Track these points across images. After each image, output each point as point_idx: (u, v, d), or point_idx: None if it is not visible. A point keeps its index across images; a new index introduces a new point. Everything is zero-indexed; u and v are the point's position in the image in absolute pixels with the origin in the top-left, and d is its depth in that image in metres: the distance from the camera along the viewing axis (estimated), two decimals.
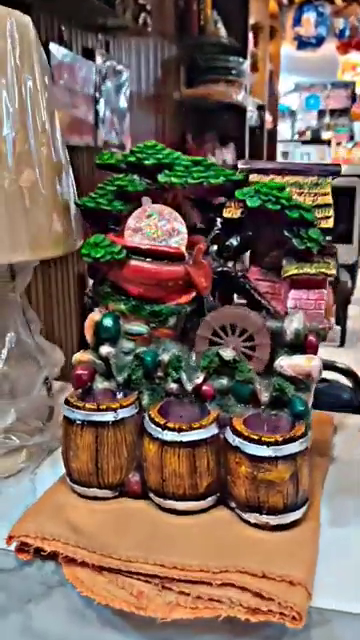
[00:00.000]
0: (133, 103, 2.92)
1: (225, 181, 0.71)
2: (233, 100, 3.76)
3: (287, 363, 0.66)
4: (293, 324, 0.67)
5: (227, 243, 0.73)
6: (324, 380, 1.74)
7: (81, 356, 0.72)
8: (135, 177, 0.74)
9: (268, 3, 4.87)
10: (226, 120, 4.08)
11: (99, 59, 2.52)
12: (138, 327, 0.72)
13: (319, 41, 6.40)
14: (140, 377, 0.70)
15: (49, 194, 0.69)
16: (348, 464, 0.79)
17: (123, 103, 2.81)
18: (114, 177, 0.74)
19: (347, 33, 6.40)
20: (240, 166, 0.75)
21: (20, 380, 0.78)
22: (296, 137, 9.37)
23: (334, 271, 0.70)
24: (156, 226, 0.72)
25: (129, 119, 2.86)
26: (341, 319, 3.91)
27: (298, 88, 9.17)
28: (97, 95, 2.54)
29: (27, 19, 0.67)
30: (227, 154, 4.13)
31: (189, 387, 0.68)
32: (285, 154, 8.54)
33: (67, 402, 0.69)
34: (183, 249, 0.71)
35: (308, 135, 9.15)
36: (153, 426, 0.65)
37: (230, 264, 0.74)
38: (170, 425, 0.64)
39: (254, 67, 4.41)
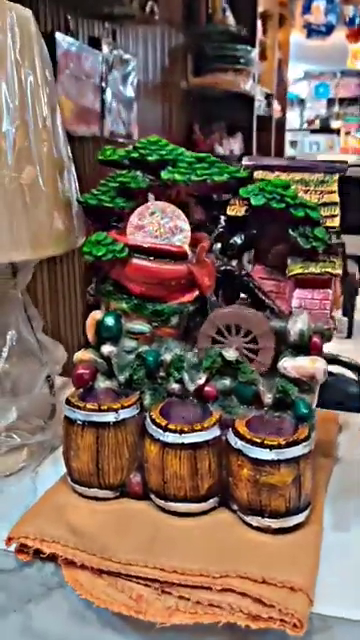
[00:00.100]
0: (140, 92, 2.89)
1: (229, 178, 0.70)
2: (241, 89, 3.71)
3: (291, 364, 0.65)
4: (297, 325, 0.66)
5: (231, 241, 0.72)
6: (330, 373, 1.72)
7: (82, 355, 0.71)
8: (138, 173, 0.73)
9: None
10: (234, 109, 4.04)
11: (105, 48, 2.50)
12: (140, 326, 0.71)
13: (329, 29, 6.33)
14: (142, 377, 0.69)
15: (50, 191, 0.68)
16: (352, 465, 0.78)
17: (130, 92, 2.78)
18: (117, 173, 0.73)
19: (357, 21, 6.32)
20: (245, 163, 0.73)
21: (22, 378, 0.78)
22: (305, 126, 9.29)
23: (340, 271, 0.69)
24: (159, 224, 0.71)
25: (136, 109, 2.84)
26: (348, 310, 3.90)
27: (307, 76, 9.08)
28: (103, 85, 2.52)
29: (28, 12, 0.66)
30: (234, 144, 4.09)
31: (191, 388, 0.67)
32: (294, 143, 8.48)
33: (68, 402, 0.68)
34: (186, 247, 0.70)
35: (317, 124, 9.08)
36: (154, 427, 0.65)
37: (234, 262, 0.73)
38: (171, 427, 0.64)
39: (262, 55, 4.36)
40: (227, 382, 0.67)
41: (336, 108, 9.16)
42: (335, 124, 8.85)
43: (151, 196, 0.74)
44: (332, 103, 9.18)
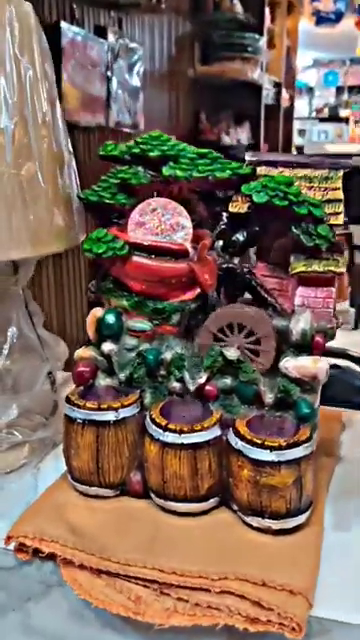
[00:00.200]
0: (146, 81, 2.87)
1: (231, 175, 0.69)
2: (248, 78, 3.68)
3: (292, 364, 0.64)
4: (300, 324, 0.66)
5: (233, 238, 0.71)
6: (336, 366, 1.72)
7: (83, 352, 0.71)
8: (139, 169, 0.72)
9: None
10: (241, 98, 4.01)
11: (111, 37, 2.48)
12: (141, 324, 0.70)
13: (338, 16, 6.24)
14: (142, 375, 0.69)
15: (50, 187, 0.67)
16: (355, 464, 0.78)
17: (136, 81, 2.76)
18: (118, 169, 0.72)
19: None
20: (248, 158, 0.72)
21: (23, 374, 0.78)
22: (314, 114, 9.21)
23: (343, 269, 0.68)
24: (160, 220, 0.70)
25: (142, 98, 2.82)
26: (355, 301, 3.88)
27: (316, 64, 8.98)
28: (109, 74, 2.50)
29: (28, 7, 0.65)
30: (242, 133, 4.06)
31: (192, 387, 0.67)
32: (302, 132, 8.41)
33: (68, 400, 0.68)
34: (187, 245, 0.69)
35: (326, 112, 8.99)
36: (154, 427, 0.64)
37: (236, 260, 0.72)
38: (171, 427, 0.63)
39: (271, 43, 4.31)
40: (228, 381, 0.67)
41: (345, 96, 9.07)
42: (344, 112, 8.76)
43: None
44: (341, 91, 9.09)
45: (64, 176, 0.71)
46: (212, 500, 0.65)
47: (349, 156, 0.73)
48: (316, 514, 0.64)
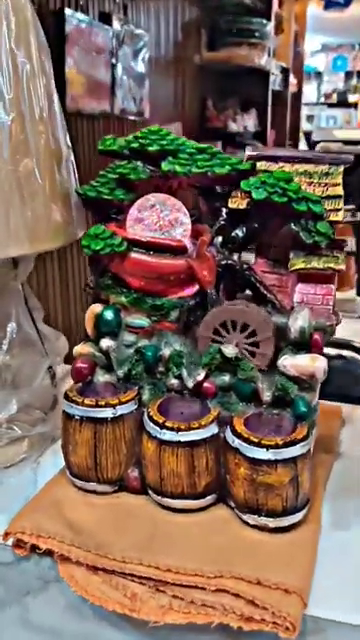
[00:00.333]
0: (152, 68, 2.84)
1: (231, 170, 0.68)
2: (256, 64, 3.64)
3: (290, 363, 0.64)
4: (298, 322, 0.65)
5: (232, 234, 0.71)
6: (341, 357, 1.72)
7: (81, 348, 0.71)
8: (138, 164, 0.71)
9: None
10: (248, 84, 3.97)
11: (116, 23, 2.45)
12: (139, 320, 0.70)
13: (347, 1, 6.16)
14: (140, 372, 0.68)
15: (47, 184, 0.67)
16: (354, 460, 0.78)
17: (141, 68, 2.74)
18: (116, 164, 0.72)
19: None
20: (248, 153, 0.72)
21: (23, 369, 0.78)
22: (322, 100, 9.12)
23: (343, 266, 0.68)
24: (159, 216, 0.70)
25: (148, 85, 2.79)
26: None
27: (325, 49, 8.88)
28: (114, 61, 2.48)
29: None
30: (249, 120, 4.02)
31: (190, 384, 0.67)
32: (310, 118, 8.34)
33: (66, 397, 0.68)
34: (186, 241, 0.69)
35: (334, 98, 8.90)
36: (152, 424, 0.64)
37: (235, 256, 0.71)
38: (168, 424, 0.63)
39: (278, 29, 4.26)
40: (226, 378, 0.67)
41: (354, 81, 8.97)
42: (353, 98, 8.67)
43: None
44: (350, 76, 8.99)
45: (62, 171, 0.70)
46: (209, 497, 0.65)
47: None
48: (313, 512, 0.64)
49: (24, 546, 0.62)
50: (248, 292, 0.72)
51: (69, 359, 0.77)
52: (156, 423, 0.64)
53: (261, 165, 0.70)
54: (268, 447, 0.60)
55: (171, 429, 0.63)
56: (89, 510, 0.65)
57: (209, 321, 0.68)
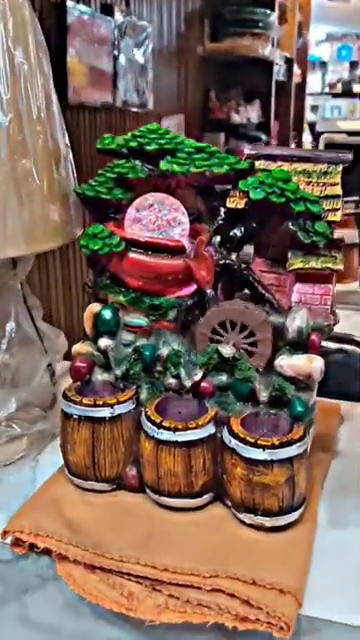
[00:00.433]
0: (155, 59, 2.83)
1: (229, 170, 0.68)
2: (259, 54, 3.62)
3: (287, 363, 0.64)
4: (296, 322, 0.65)
5: (231, 234, 0.71)
6: (342, 351, 1.72)
7: (80, 347, 0.71)
8: (137, 163, 0.71)
9: None
10: (252, 75, 3.94)
11: (118, 15, 2.44)
12: (138, 319, 0.71)
13: None
14: (138, 371, 0.69)
15: (45, 184, 0.67)
16: (352, 458, 0.78)
17: (144, 60, 2.72)
18: (114, 163, 0.72)
19: None
20: (247, 152, 0.71)
21: (22, 368, 0.78)
22: (326, 90, 9.05)
23: (341, 266, 0.68)
24: (157, 216, 0.70)
25: (151, 76, 2.78)
26: None
27: (330, 38, 8.81)
28: (116, 53, 2.46)
29: None
30: (252, 111, 4.00)
31: (187, 384, 0.67)
32: (314, 108, 8.28)
33: (65, 396, 0.68)
34: (184, 241, 0.69)
35: (339, 88, 8.83)
36: (149, 424, 0.65)
37: (234, 256, 0.71)
38: (165, 424, 0.63)
39: (282, 18, 4.23)
40: (224, 378, 0.67)
41: (359, 71, 8.90)
42: (357, 88, 8.60)
43: None
44: (355, 66, 8.91)
45: (60, 170, 0.70)
46: (206, 496, 0.66)
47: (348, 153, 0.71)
48: (309, 511, 0.65)
49: (22, 545, 0.62)
50: (246, 291, 0.72)
51: (69, 356, 0.77)
52: (153, 423, 0.64)
53: (259, 164, 0.70)
54: (264, 447, 0.60)
55: (168, 429, 0.63)
56: (87, 508, 0.66)
57: (209, 319, 0.68)
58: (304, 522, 0.64)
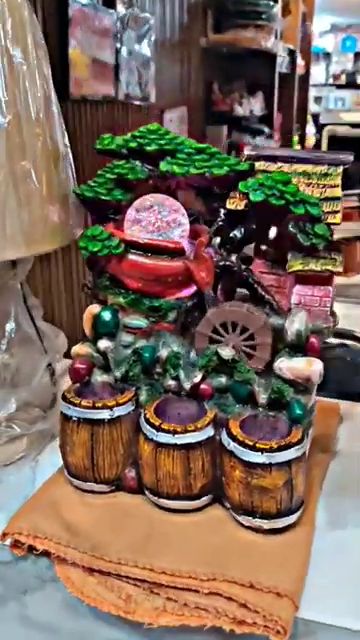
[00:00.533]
0: (157, 52, 2.81)
1: (229, 171, 0.68)
2: (262, 46, 3.60)
3: (286, 366, 0.64)
4: (295, 324, 0.65)
5: (231, 235, 0.70)
6: (343, 345, 1.72)
7: (79, 349, 0.71)
8: (137, 163, 0.71)
9: None
10: (255, 67, 3.92)
11: (120, 7, 2.42)
12: (137, 321, 0.71)
13: None
14: (137, 373, 0.69)
15: (44, 185, 0.66)
16: (352, 458, 0.78)
17: (147, 52, 2.70)
18: (114, 164, 0.71)
19: None
20: (247, 152, 0.71)
21: (22, 368, 0.78)
22: (330, 81, 9.00)
23: (341, 268, 0.68)
24: (157, 217, 0.70)
25: (153, 68, 2.76)
26: None
27: (334, 29, 8.75)
28: (118, 45, 2.45)
29: None
30: (255, 104, 3.98)
31: (187, 386, 0.67)
32: (318, 99, 8.24)
33: (64, 398, 0.68)
34: (184, 243, 0.69)
35: (343, 79, 8.78)
36: (148, 427, 0.65)
37: (233, 257, 0.71)
38: (164, 427, 0.64)
39: (286, 10, 4.20)
40: (223, 380, 0.67)
41: None
42: None
43: None
44: (359, 57, 8.85)
45: (59, 171, 0.70)
46: (205, 498, 0.66)
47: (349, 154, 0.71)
48: (307, 513, 0.65)
49: (21, 546, 0.63)
50: (245, 290, 0.72)
51: (69, 355, 0.77)
52: (152, 425, 0.64)
53: (260, 165, 0.70)
54: (263, 451, 0.61)
55: (167, 432, 0.63)
56: (86, 510, 0.66)
57: (210, 319, 0.68)
58: (302, 524, 0.64)
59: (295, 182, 0.67)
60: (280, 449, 0.61)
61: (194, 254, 0.69)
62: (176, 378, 0.68)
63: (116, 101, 2.48)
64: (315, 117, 6.63)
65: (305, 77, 5.39)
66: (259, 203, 0.66)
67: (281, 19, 3.90)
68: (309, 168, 0.69)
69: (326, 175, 0.69)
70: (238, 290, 0.73)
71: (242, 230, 0.70)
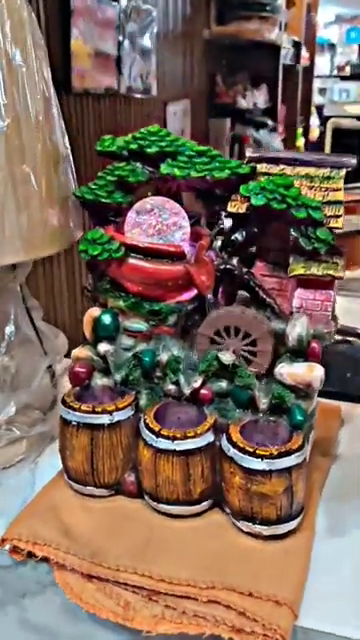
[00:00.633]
0: (160, 44, 2.79)
1: (230, 174, 0.67)
2: (266, 38, 3.57)
3: (287, 371, 0.64)
4: (296, 329, 0.65)
5: (232, 238, 0.70)
6: (345, 341, 1.71)
7: (79, 352, 0.71)
8: (137, 165, 0.70)
9: None
10: (258, 59, 3.89)
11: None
12: (137, 324, 0.70)
13: None
14: (137, 377, 0.68)
15: (44, 188, 0.66)
16: (352, 462, 0.77)
17: (149, 44, 2.68)
18: (115, 166, 0.71)
19: None
20: (249, 155, 0.70)
21: (22, 370, 0.78)
22: (335, 72, 8.92)
23: (343, 273, 0.67)
24: (157, 220, 0.69)
25: (155, 61, 2.74)
26: None
27: (339, 20, 8.67)
28: (120, 38, 2.43)
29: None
30: (259, 96, 3.96)
31: (187, 391, 0.66)
32: (322, 91, 8.18)
33: (64, 402, 0.68)
34: (184, 246, 0.68)
35: (348, 71, 8.71)
36: (147, 432, 0.64)
37: (234, 260, 0.70)
38: (164, 432, 0.63)
39: (290, 1, 4.16)
40: (223, 385, 0.67)
41: None
42: None
43: None
44: None
45: (59, 174, 0.70)
46: (205, 503, 0.66)
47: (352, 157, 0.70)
48: (307, 519, 0.65)
49: (21, 552, 0.63)
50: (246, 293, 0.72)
51: (69, 355, 0.77)
52: (152, 431, 0.64)
53: (262, 167, 0.69)
54: (263, 457, 0.60)
55: (167, 437, 0.63)
56: (86, 515, 0.66)
57: (212, 322, 0.67)
58: (302, 530, 0.64)
59: (297, 185, 0.66)
60: (280, 456, 0.60)
61: (195, 257, 0.69)
62: (176, 383, 0.67)
63: (118, 94, 2.47)
64: (319, 109, 6.58)
65: (309, 69, 5.35)
66: (260, 207, 0.65)
67: (285, 10, 3.86)
68: (312, 171, 0.69)
69: (329, 178, 0.68)
70: (239, 292, 0.72)
71: (243, 233, 0.70)
